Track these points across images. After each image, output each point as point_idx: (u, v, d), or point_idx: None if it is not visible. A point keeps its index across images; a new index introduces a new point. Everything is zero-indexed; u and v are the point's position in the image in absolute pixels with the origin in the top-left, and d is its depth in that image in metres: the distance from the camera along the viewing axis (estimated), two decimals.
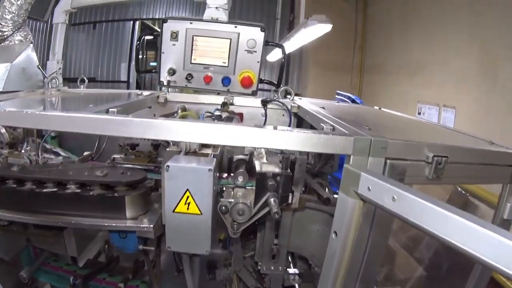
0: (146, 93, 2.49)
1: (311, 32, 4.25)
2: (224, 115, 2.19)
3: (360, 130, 1.38)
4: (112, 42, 10.72)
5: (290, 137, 1.29)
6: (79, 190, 1.85)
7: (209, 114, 2.20)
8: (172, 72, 2.46)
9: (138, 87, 11.11)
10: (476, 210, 3.24)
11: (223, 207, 1.54)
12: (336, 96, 5.23)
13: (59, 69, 3.20)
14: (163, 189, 1.56)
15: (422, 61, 6.63)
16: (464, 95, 5.40)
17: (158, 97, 2.44)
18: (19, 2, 3.03)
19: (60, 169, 2.01)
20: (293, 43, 5.17)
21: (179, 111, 2.37)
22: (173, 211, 1.52)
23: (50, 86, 2.95)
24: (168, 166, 1.48)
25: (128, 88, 10.54)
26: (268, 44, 2.51)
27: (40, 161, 2.22)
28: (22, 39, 3.23)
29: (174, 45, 2.44)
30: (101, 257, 2.49)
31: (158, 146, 2.41)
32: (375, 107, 3.07)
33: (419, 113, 6.36)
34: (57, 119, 1.37)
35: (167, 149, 1.76)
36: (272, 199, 1.53)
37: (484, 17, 5.07)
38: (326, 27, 4.07)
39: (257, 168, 1.60)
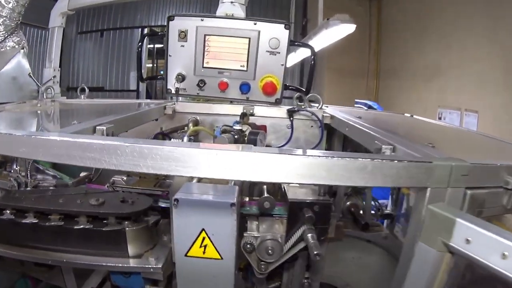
0: (154, 103, 2.14)
1: (332, 33, 3.86)
2: (245, 128, 1.81)
3: (425, 149, 1.13)
4: (120, 50, 10.44)
5: (344, 168, 0.90)
6: (68, 223, 1.52)
7: (227, 128, 1.82)
8: (181, 78, 2.09)
9: (149, 96, 10.86)
10: None
11: (248, 245, 1.30)
12: (355, 105, 4.87)
13: (54, 77, 2.84)
14: (172, 227, 1.23)
15: (440, 65, 6.38)
16: (486, 98, 5.17)
17: (165, 107, 2.07)
18: (10, 5, 2.70)
19: (49, 196, 1.67)
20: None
21: (190, 125, 1.99)
22: (186, 255, 1.21)
23: (45, 96, 2.66)
24: (177, 200, 1.16)
25: (137, 97, 10.26)
26: (295, 44, 2.13)
27: (30, 184, 1.92)
28: (15, 45, 2.89)
29: (183, 46, 2.08)
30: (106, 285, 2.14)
31: None
32: (406, 114, 2.80)
33: (440, 118, 6.09)
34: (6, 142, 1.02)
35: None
36: (309, 235, 1.26)
37: (502, 20, 4.91)
38: (350, 28, 3.69)
39: (289, 195, 1.34)
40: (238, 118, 2.17)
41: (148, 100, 2.70)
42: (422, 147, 1.18)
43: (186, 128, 2.02)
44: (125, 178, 2.07)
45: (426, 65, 6.83)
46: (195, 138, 1.91)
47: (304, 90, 2.20)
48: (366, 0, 9.36)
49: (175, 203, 1.16)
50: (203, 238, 1.20)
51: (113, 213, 1.53)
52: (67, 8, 2.84)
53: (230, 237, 1.18)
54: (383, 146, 1.20)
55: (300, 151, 0.93)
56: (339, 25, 3.60)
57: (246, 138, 1.62)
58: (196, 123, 2.04)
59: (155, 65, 11.87)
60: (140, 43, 2.21)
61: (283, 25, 2.05)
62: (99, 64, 10.53)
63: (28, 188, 1.89)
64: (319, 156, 0.89)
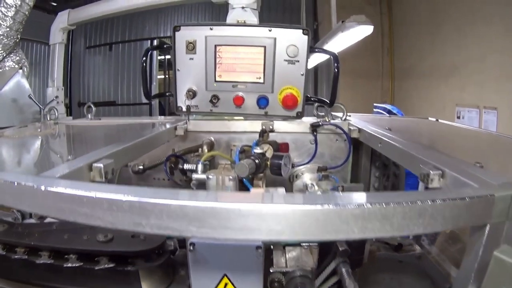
0: (165, 123, 1.94)
1: (349, 36, 3.63)
2: (266, 147, 1.59)
3: (476, 172, 0.96)
4: (130, 63, 10.31)
5: (403, 216, 0.69)
6: (77, 263, 1.36)
7: (246, 148, 1.61)
8: (192, 94, 1.90)
9: (162, 109, 10.71)
10: None
11: (276, 283, 1.12)
12: (374, 109, 4.66)
13: (56, 97, 2.67)
14: (189, 273, 1.06)
15: (457, 61, 6.14)
16: (506, 94, 4.96)
17: (175, 128, 1.86)
18: (7, 23, 2.54)
19: (55, 230, 1.51)
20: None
21: (205, 147, 1.78)
22: None
23: (48, 118, 2.49)
24: (193, 244, 1.00)
25: (150, 111, 10.10)
26: (315, 51, 1.91)
27: (34, 215, 1.68)
28: (15, 64, 2.73)
29: (192, 59, 1.88)
30: None
31: None
32: (430, 119, 2.64)
33: (458, 117, 5.90)
34: None
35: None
36: (344, 270, 1.16)
37: None
38: (367, 29, 3.46)
39: None
40: (256, 135, 1.96)
41: (158, 119, 2.51)
42: (472, 168, 1.00)
43: (200, 150, 1.82)
44: None
45: (442, 62, 6.61)
46: (211, 161, 1.71)
47: (328, 102, 1.96)
48: None
49: (191, 247, 1.01)
50: (226, 284, 1.05)
51: (124, 251, 1.37)
52: (67, 23, 2.68)
53: (256, 280, 1.06)
54: (431, 172, 1.00)
55: (349, 197, 0.71)
56: (356, 27, 3.38)
57: (269, 163, 1.40)
58: (211, 145, 1.83)
59: (167, 76, 11.71)
60: (144, 58, 2.01)
61: (301, 31, 1.84)
62: (109, 78, 10.40)
63: (33, 221, 1.70)
64: (372, 202, 0.67)
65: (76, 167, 1.01)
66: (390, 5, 9.03)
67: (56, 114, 2.54)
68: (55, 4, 9.25)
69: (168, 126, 1.78)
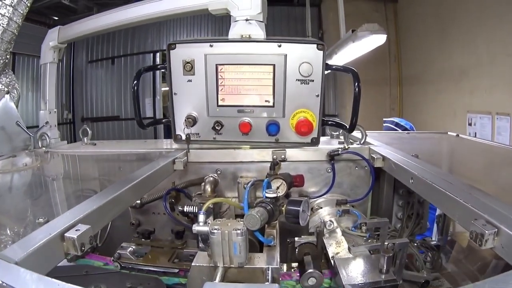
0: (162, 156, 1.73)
1: (361, 46, 3.40)
2: (279, 183, 1.35)
3: None
4: (133, 77, 10.15)
5: None
6: None
7: (257, 183, 1.37)
8: (191, 121, 1.65)
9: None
10: None
11: None
12: (384, 124, 4.46)
13: (47, 123, 2.44)
14: None
15: (467, 66, 5.93)
16: None
17: (174, 162, 1.61)
18: None
19: None
20: (335, 62, 4.29)
21: (208, 187, 1.54)
22: None
23: (40, 145, 2.33)
24: None
25: (155, 128, 9.88)
26: (332, 69, 1.67)
27: None
28: (4, 87, 2.50)
29: (190, 81, 1.65)
30: None
31: (183, 233, 1.80)
32: (450, 133, 2.52)
33: (470, 124, 5.71)
34: None
35: (192, 264, 1.12)
36: None
37: None
38: (380, 38, 3.23)
39: (343, 277, 1.16)
40: (266, 165, 1.72)
41: (159, 144, 2.30)
42: None
43: (202, 187, 1.57)
44: (134, 247, 1.70)
45: (452, 67, 6.40)
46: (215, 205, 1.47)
47: (348, 127, 1.70)
48: (381, 4, 9.01)
49: None
50: None
51: None
52: (57, 42, 2.46)
53: None
54: (486, 232, 0.81)
55: None
56: (369, 37, 3.15)
57: (283, 209, 1.16)
58: (214, 183, 1.58)
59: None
60: (135, 81, 1.77)
61: (315, 46, 1.59)
62: (112, 92, 10.29)
63: None
64: None
65: (44, 241, 0.79)
66: (396, 11, 8.90)
67: (48, 140, 2.35)
68: (56, 18, 9.15)
69: (164, 162, 1.52)
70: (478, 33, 5.55)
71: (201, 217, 1.08)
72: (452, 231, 2.00)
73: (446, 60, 6.54)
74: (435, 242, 1.84)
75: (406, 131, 3.37)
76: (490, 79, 5.31)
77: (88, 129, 2.44)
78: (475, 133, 5.41)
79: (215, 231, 1.02)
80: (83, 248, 0.83)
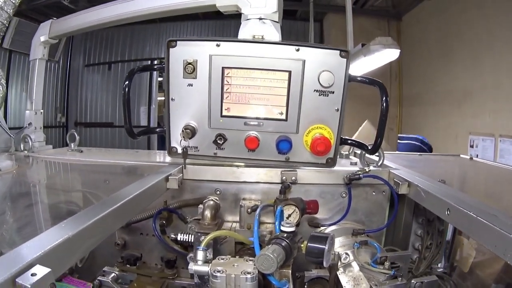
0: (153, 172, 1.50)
1: (372, 60, 3.21)
2: (291, 210, 1.12)
3: None
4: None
5: None
6: None
7: (267, 207, 1.14)
8: (189, 132, 1.41)
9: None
10: None
11: None
12: (399, 141, 4.27)
13: (29, 124, 2.23)
14: None
15: (470, 87, 5.93)
16: None
17: (167, 179, 1.38)
18: None
19: None
20: None
21: (207, 213, 1.30)
22: None
23: (22, 148, 2.20)
24: None
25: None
26: (357, 80, 1.45)
27: None
28: None
29: (191, 85, 1.41)
30: None
31: (174, 262, 1.54)
32: (462, 156, 2.44)
33: (472, 146, 5.68)
34: None
35: None
36: None
37: None
38: (393, 53, 3.05)
39: None
40: (273, 186, 1.50)
41: (151, 156, 2.09)
42: None
43: (200, 210, 1.34)
44: (117, 273, 1.53)
45: (455, 88, 6.41)
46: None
47: (369, 148, 1.49)
48: (384, 22, 9.02)
49: None
50: None
51: None
52: (48, 36, 2.28)
53: None
54: None
55: None
56: (382, 51, 2.96)
57: (303, 246, 0.93)
58: (215, 208, 1.34)
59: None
60: (126, 82, 1.56)
61: (338, 52, 1.37)
62: (107, 98, 10.13)
63: None
64: None
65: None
66: (399, 29, 8.91)
67: (30, 143, 2.18)
68: (54, 18, 8.95)
69: (156, 179, 1.29)
70: (482, 55, 5.54)
71: (200, 254, 0.85)
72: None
73: (450, 82, 6.53)
74: (441, 270, 1.68)
75: (418, 153, 3.18)
76: (494, 102, 5.29)
77: (76, 134, 2.27)
78: (477, 155, 5.37)
79: (219, 274, 0.79)
80: None
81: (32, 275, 0.61)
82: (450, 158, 2.61)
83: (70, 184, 1.69)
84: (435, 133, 6.93)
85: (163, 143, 1.53)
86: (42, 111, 2.39)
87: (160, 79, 9.91)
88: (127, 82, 1.43)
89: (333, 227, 1.56)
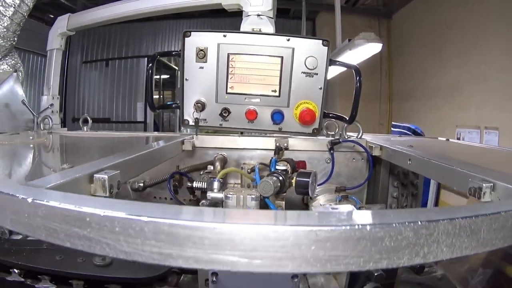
0: (167, 138, 1.78)
1: (357, 54, 3.54)
2: (284, 166, 1.44)
3: None
4: (126, 80, 10.21)
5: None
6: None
7: (262, 166, 1.45)
8: (200, 106, 1.73)
9: (156, 128, 10.54)
10: None
11: None
12: (392, 129, 4.50)
13: (51, 105, 2.50)
14: None
15: (458, 82, 6.18)
16: (508, 113, 5.00)
17: (182, 142, 1.70)
18: (5, 23, 2.38)
19: (45, 250, 1.30)
20: (331, 70, 4.41)
21: (217, 164, 1.63)
22: None
23: (42, 127, 2.38)
24: (215, 274, 0.87)
25: (145, 129, 9.95)
26: (336, 64, 1.78)
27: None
28: (9, 68, 2.56)
29: (202, 68, 1.73)
30: None
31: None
32: (440, 138, 2.54)
33: (458, 138, 5.83)
34: None
35: None
36: None
37: None
38: (376, 47, 3.38)
39: None
40: (268, 153, 1.82)
41: (158, 134, 2.36)
42: None
43: (212, 168, 1.66)
44: None
45: (443, 83, 6.67)
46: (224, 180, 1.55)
47: (348, 118, 1.83)
48: (375, 21, 9.21)
49: (214, 278, 0.87)
50: None
51: (124, 278, 1.18)
52: (66, 28, 2.53)
53: None
54: (483, 185, 0.88)
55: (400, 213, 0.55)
56: (366, 45, 3.29)
57: (293, 181, 1.25)
58: (224, 161, 1.67)
59: (161, 96, 11.62)
60: (150, 65, 1.84)
61: (321, 41, 1.71)
62: (104, 95, 10.31)
63: (20, 237, 1.51)
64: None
65: (73, 177, 0.80)
66: (389, 27, 9.13)
67: (50, 123, 2.40)
68: (52, 16, 9.20)
69: (173, 140, 1.61)
70: (471, 51, 5.79)
71: (216, 184, 1.16)
72: None
73: (438, 77, 6.81)
74: None
75: (399, 135, 3.48)
76: (481, 95, 5.54)
77: (88, 118, 2.43)
78: None
79: (230, 195, 1.10)
80: (111, 190, 0.85)
81: (105, 173, 0.86)
82: (427, 139, 2.89)
83: (103, 144, 1.94)
84: (424, 126, 6.98)
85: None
86: (59, 97, 2.67)
87: (156, 76, 10.15)
88: (150, 65, 1.75)
89: (319, 188, 1.88)
